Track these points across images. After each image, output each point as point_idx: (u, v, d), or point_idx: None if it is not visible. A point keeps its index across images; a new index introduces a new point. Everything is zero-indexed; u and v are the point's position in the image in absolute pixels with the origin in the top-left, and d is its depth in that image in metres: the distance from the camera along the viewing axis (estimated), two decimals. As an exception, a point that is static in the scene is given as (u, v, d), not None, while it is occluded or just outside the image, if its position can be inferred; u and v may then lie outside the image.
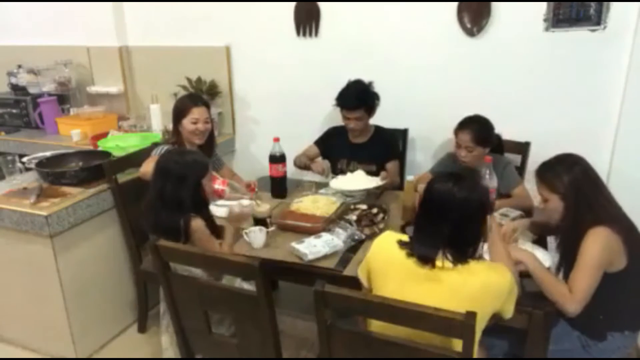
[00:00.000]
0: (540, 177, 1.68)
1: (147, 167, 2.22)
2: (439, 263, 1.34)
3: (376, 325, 1.42)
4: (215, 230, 1.86)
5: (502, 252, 1.55)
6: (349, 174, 2.46)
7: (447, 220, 1.34)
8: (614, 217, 1.58)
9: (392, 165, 2.60)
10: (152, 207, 1.79)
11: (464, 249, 1.36)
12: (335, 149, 2.71)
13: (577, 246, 1.57)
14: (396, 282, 1.38)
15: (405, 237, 1.46)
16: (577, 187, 1.59)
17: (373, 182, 2.36)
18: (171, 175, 1.76)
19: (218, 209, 2.28)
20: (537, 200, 1.88)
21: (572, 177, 1.60)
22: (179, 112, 2.37)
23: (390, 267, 1.41)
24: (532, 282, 1.60)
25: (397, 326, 1.30)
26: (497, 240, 1.57)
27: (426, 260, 1.35)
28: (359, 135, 2.64)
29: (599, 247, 1.53)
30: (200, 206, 1.83)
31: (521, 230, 1.89)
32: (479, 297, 1.31)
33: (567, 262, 1.66)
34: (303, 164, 2.69)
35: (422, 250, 1.37)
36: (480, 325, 1.30)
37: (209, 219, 1.85)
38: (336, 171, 2.69)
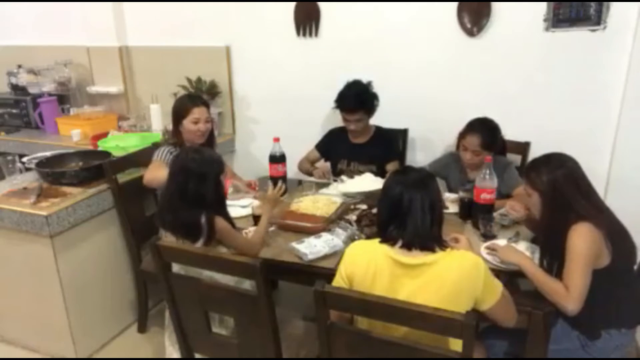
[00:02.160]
0: (526, 172, 1.74)
1: (154, 174, 2.21)
2: (419, 259, 1.37)
3: (363, 322, 1.44)
4: (233, 226, 1.86)
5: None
6: (356, 177, 2.42)
7: (427, 209, 1.40)
8: (594, 216, 1.60)
9: (392, 166, 2.60)
10: (170, 205, 1.78)
11: (440, 234, 1.44)
12: (336, 149, 2.72)
13: (559, 245, 1.59)
14: (383, 285, 1.38)
15: (376, 242, 1.46)
16: (554, 187, 1.63)
17: (381, 183, 2.33)
18: (192, 172, 1.75)
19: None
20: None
21: (552, 177, 1.63)
22: (179, 113, 2.37)
23: (374, 272, 1.40)
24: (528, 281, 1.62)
25: (386, 324, 1.33)
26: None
27: (427, 247, 1.38)
28: (359, 135, 2.64)
29: (584, 241, 1.55)
30: (221, 203, 1.83)
31: (505, 209, 1.98)
32: (458, 284, 1.35)
33: (549, 260, 1.68)
34: (305, 170, 2.72)
35: (419, 238, 1.39)
36: (466, 308, 1.34)
37: (227, 217, 1.85)
38: (336, 172, 2.69)
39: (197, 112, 2.34)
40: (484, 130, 2.26)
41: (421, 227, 1.39)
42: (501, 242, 1.86)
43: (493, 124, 2.30)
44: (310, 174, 2.70)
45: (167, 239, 1.76)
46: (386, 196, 1.46)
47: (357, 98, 2.51)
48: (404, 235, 1.39)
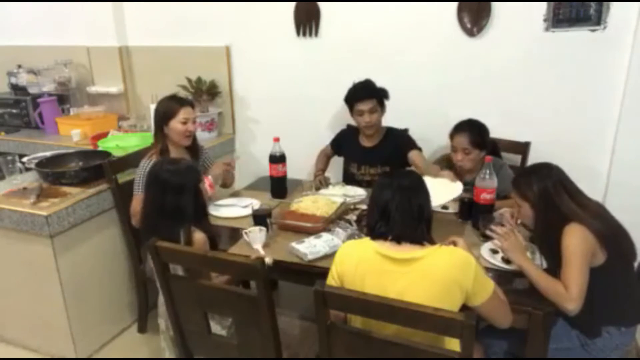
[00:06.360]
0: (514, 185, 1.77)
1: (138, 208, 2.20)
2: (408, 253, 1.37)
3: (356, 320, 1.45)
4: (214, 242, 1.86)
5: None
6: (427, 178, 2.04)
7: (415, 209, 1.43)
8: (585, 217, 1.62)
9: (415, 155, 2.48)
10: (149, 222, 1.78)
11: (429, 232, 1.46)
12: (347, 152, 2.70)
13: (556, 249, 1.61)
14: (373, 283, 1.38)
15: (366, 240, 1.47)
16: (545, 196, 1.67)
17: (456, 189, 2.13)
18: (168, 185, 1.73)
19: (219, 209, 2.28)
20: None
21: (542, 186, 1.67)
22: (167, 113, 2.27)
23: (363, 270, 1.41)
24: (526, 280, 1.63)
25: (381, 322, 1.33)
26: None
27: (416, 240, 1.40)
28: (372, 135, 2.58)
29: (578, 239, 1.58)
30: (201, 214, 1.82)
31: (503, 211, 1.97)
32: (448, 278, 1.35)
33: (550, 264, 1.70)
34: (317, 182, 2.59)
35: (407, 229, 1.41)
36: (456, 306, 1.35)
37: (209, 230, 1.85)
38: (348, 175, 2.68)
39: (186, 112, 2.28)
40: (471, 128, 2.29)
41: (409, 219, 1.41)
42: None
43: (478, 123, 2.32)
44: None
45: None
46: (375, 199, 1.49)
47: (368, 86, 2.52)
48: (393, 229, 1.41)
